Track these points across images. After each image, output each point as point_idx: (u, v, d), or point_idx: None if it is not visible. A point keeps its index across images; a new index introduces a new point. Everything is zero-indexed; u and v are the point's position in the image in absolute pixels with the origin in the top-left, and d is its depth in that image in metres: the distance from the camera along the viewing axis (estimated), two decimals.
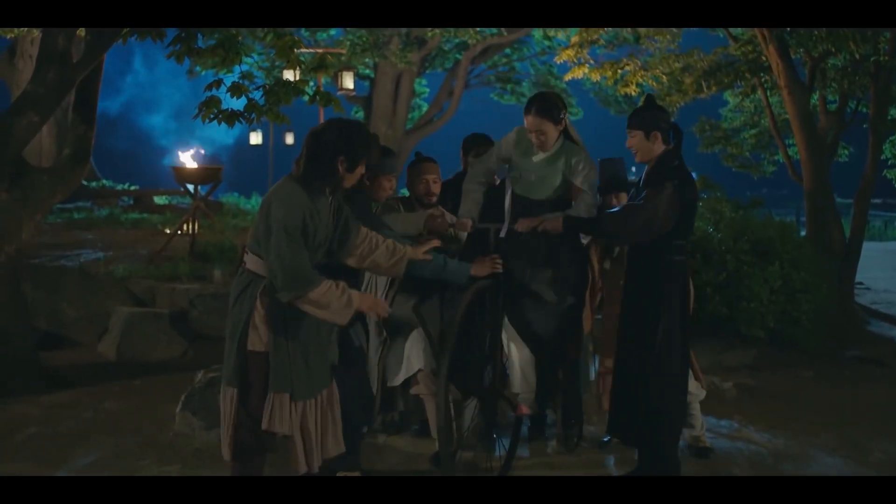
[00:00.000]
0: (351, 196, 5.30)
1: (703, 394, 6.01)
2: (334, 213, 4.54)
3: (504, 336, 5.57)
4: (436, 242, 5.04)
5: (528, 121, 5.49)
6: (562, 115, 5.54)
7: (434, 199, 5.89)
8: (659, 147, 5.30)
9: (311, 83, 7.72)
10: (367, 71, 22.62)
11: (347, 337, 5.18)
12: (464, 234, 5.76)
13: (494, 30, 20.81)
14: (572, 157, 5.55)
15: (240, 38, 6.94)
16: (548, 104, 5.53)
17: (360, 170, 4.48)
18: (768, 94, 13.77)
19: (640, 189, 5.30)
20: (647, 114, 5.34)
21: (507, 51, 24.06)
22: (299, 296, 4.19)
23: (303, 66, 7.29)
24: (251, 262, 4.39)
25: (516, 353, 5.52)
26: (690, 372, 5.63)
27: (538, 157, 5.59)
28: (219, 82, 7.01)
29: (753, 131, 17.49)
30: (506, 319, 5.56)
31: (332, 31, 22.38)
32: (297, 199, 4.26)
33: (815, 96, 13.02)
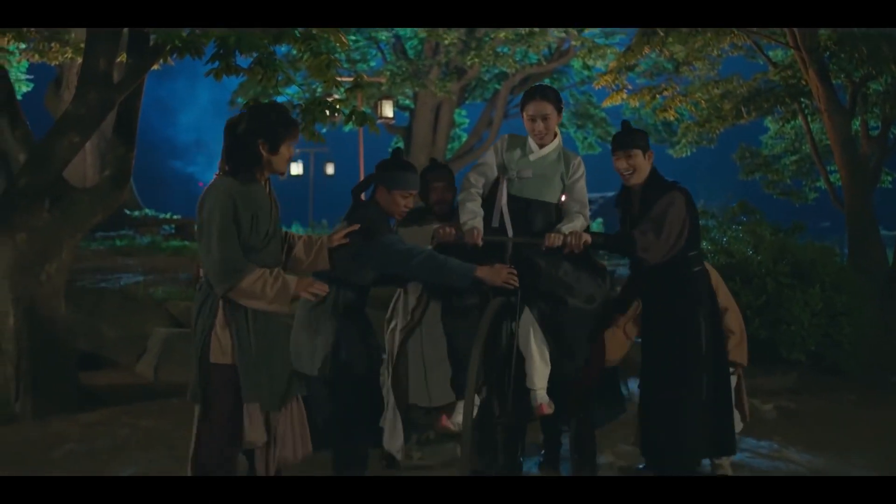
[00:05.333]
0: (364, 206, 5.19)
1: (740, 426, 5.77)
2: (274, 202, 4.44)
3: (522, 329, 5.25)
4: (354, 227, 4.86)
5: (533, 107, 5.34)
6: (561, 105, 5.47)
7: (446, 208, 5.77)
8: (649, 166, 5.42)
9: (352, 105, 7.74)
10: (407, 101, 22.77)
11: (338, 347, 5.05)
12: None
13: (534, 59, 20.88)
14: (571, 158, 5.46)
15: (276, 59, 7.00)
16: (550, 89, 5.47)
17: (286, 150, 4.36)
18: (809, 119, 13.70)
19: (641, 207, 5.36)
20: (640, 134, 5.45)
21: (547, 81, 24.10)
22: (232, 286, 4.12)
23: (339, 85, 7.34)
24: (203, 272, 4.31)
25: (535, 346, 5.20)
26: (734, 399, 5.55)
27: (535, 155, 5.42)
28: (255, 101, 7.07)
29: (794, 157, 17.36)
30: (526, 310, 5.25)
31: (372, 63, 22.58)
32: (228, 191, 4.18)
33: (857, 121, 12.92)
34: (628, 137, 5.40)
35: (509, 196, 5.40)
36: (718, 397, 5.31)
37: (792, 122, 15.22)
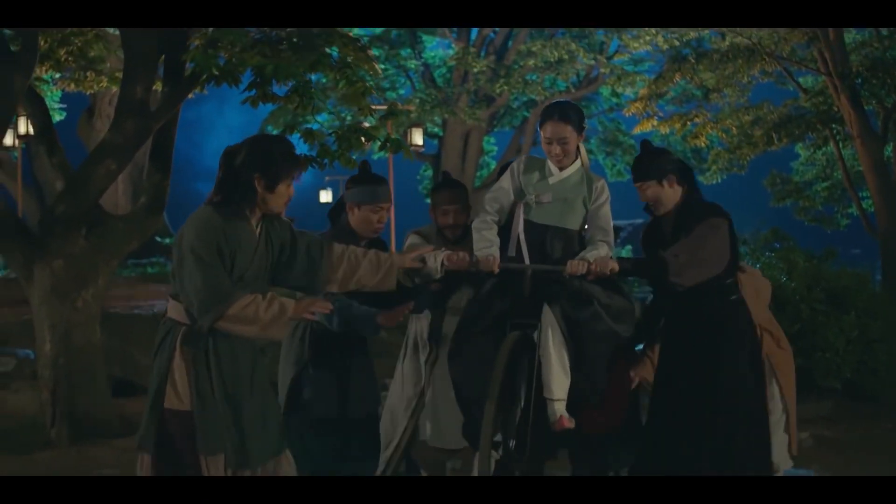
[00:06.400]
0: (332, 230, 5.02)
1: (789, 464, 5.37)
2: (266, 241, 4.04)
3: (542, 331, 4.78)
4: (429, 249, 4.48)
5: (549, 128, 4.88)
6: (583, 124, 5.00)
7: (458, 232, 5.32)
8: (677, 191, 4.92)
9: (383, 132, 7.81)
10: (436, 129, 22.82)
11: (301, 380, 4.81)
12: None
13: (563, 86, 20.91)
14: (594, 181, 5.00)
15: (312, 87, 7.06)
16: (570, 108, 4.97)
17: (284, 189, 3.95)
18: (840, 145, 13.65)
19: (674, 235, 4.86)
20: (653, 160, 4.94)
21: None
22: (219, 315, 3.73)
23: (373, 113, 7.39)
24: (172, 308, 3.96)
25: (553, 350, 4.72)
26: (788, 439, 5.24)
27: (555, 178, 4.96)
28: (292, 128, 7.14)
29: (826, 184, 17.34)
30: (546, 309, 4.79)
31: (401, 91, 22.68)
32: (210, 223, 3.82)
33: (889, 147, 12.86)
34: (638, 166, 4.98)
35: (527, 222, 4.95)
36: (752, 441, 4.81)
37: (823, 149, 15.20)
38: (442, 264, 4.51)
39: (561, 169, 4.98)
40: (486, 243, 4.83)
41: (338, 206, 5.15)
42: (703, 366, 4.80)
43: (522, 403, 4.78)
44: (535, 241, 4.90)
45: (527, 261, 4.86)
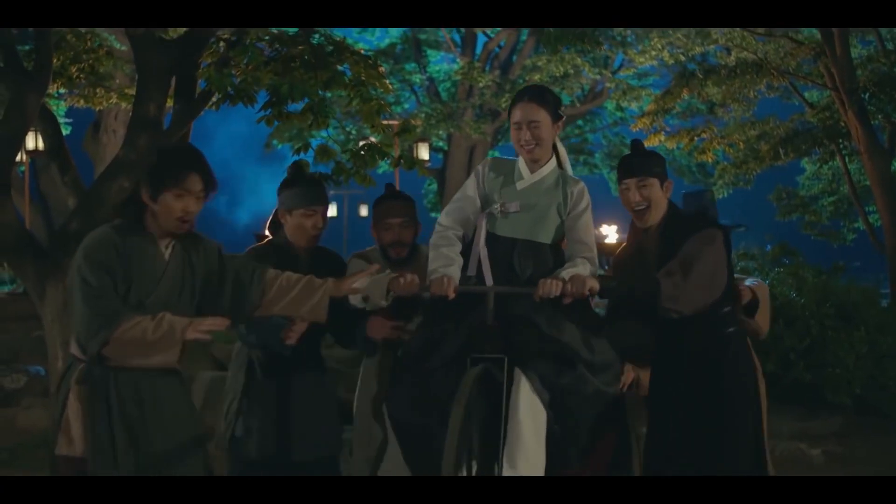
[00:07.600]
0: (267, 249, 4.48)
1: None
2: (183, 266, 3.64)
3: (514, 397, 3.90)
4: (373, 269, 3.86)
5: (518, 111, 4.16)
6: (560, 111, 4.25)
7: (403, 252, 4.59)
8: (666, 199, 4.25)
9: (401, 148, 7.85)
10: (441, 143, 22.88)
11: (240, 417, 4.28)
12: None
13: (567, 100, 20.98)
14: (570, 185, 4.22)
15: (327, 104, 7.09)
16: (545, 91, 4.32)
17: (171, 200, 3.48)
18: (847, 160, 13.69)
19: (662, 251, 4.16)
20: (657, 158, 4.30)
21: (580, 122, 24.16)
22: (104, 340, 3.32)
23: (387, 130, 7.41)
24: (73, 342, 3.58)
25: (526, 418, 3.86)
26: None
27: (525, 182, 4.19)
28: (307, 146, 7.15)
29: (832, 199, 17.40)
30: (520, 374, 3.92)
31: (406, 105, 22.75)
32: (102, 241, 3.45)
33: None
34: (641, 161, 4.21)
35: (490, 235, 4.16)
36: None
37: (829, 164, 15.26)
38: (388, 290, 3.90)
39: (533, 170, 4.23)
40: (443, 261, 4.06)
41: (275, 220, 4.63)
42: (697, 415, 4.17)
43: (485, 460, 3.98)
44: (501, 258, 4.13)
45: (489, 281, 4.06)
